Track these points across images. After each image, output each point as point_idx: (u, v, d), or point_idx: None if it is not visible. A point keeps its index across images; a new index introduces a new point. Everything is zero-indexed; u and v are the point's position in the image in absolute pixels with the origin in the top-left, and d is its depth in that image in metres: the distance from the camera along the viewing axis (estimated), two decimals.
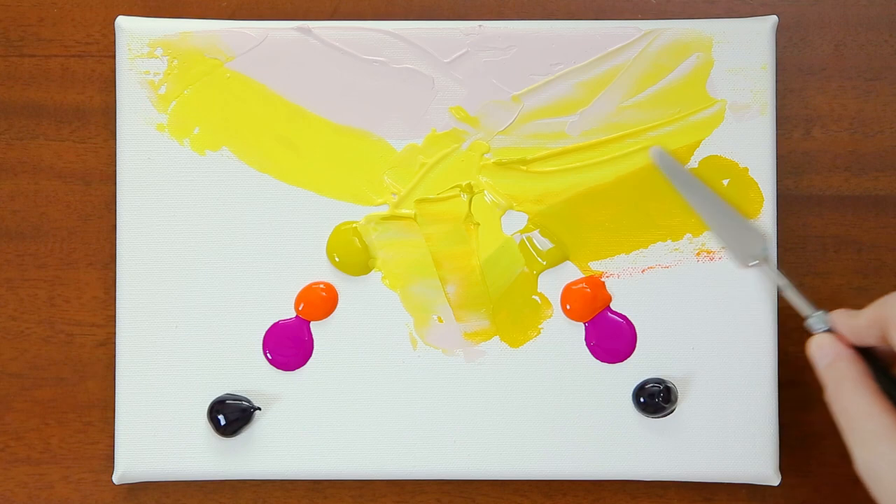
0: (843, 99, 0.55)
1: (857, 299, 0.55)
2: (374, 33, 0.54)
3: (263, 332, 0.53)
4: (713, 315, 0.53)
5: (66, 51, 0.56)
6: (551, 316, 0.54)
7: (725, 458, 0.53)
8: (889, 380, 0.45)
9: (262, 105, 0.54)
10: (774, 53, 0.53)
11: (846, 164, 0.55)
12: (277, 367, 0.53)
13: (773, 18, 0.54)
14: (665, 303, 0.53)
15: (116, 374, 0.53)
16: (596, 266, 0.54)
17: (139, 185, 0.54)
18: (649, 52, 0.54)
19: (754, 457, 0.53)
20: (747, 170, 0.53)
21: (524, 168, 0.54)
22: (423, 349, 0.53)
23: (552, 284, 0.54)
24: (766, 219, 0.53)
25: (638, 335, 0.53)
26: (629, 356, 0.53)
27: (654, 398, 0.52)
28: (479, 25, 0.54)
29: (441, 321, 0.54)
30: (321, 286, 0.54)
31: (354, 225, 0.54)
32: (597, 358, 0.53)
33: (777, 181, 0.54)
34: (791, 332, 0.55)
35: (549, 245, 0.54)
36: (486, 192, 0.54)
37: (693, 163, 0.53)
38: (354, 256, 0.54)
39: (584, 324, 0.53)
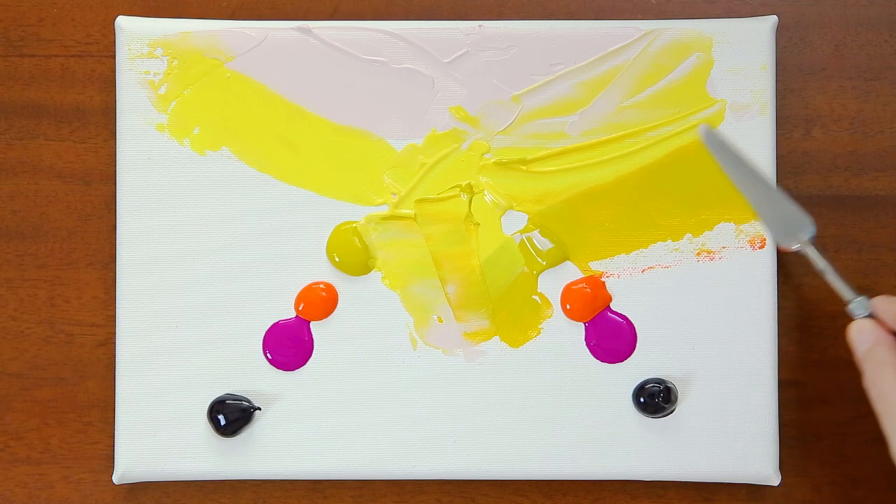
0: (843, 99, 0.55)
1: None
2: (374, 33, 0.54)
3: (263, 332, 0.53)
4: (713, 315, 0.53)
5: (66, 51, 0.56)
6: (551, 316, 0.54)
7: (725, 458, 0.53)
8: None
9: (262, 105, 0.54)
10: (774, 53, 0.53)
11: (846, 164, 0.55)
12: (277, 367, 0.53)
13: (773, 18, 0.54)
14: (665, 303, 0.53)
15: (116, 374, 0.53)
16: (596, 266, 0.54)
17: (139, 185, 0.54)
18: (649, 52, 0.54)
19: (754, 457, 0.53)
20: None
21: (524, 168, 0.54)
22: (423, 349, 0.53)
23: (552, 284, 0.54)
24: None
25: (638, 335, 0.53)
26: (629, 356, 0.53)
27: (654, 398, 0.52)
28: (479, 25, 0.54)
29: (441, 321, 0.54)
30: (321, 286, 0.54)
31: (354, 225, 0.54)
32: (597, 358, 0.53)
33: (777, 181, 0.54)
34: (791, 332, 0.55)
35: (549, 245, 0.54)
36: (486, 192, 0.54)
37: None
38: (354, 256, 0.54)
39: (584, 324, 0.53)
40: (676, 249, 0.54)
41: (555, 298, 0.54)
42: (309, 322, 0.53)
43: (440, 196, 0.54)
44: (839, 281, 0.48)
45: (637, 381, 0.53)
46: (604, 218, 0.54)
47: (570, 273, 0.54)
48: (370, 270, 0.54)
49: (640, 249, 0.54)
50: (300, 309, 0.53)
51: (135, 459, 0.53)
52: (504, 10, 0.56)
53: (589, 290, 0.53)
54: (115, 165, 0.54)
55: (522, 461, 0.53)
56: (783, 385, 0.54)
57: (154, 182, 0.54)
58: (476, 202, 0.54)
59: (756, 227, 0.53)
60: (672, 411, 0.53)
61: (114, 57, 0.55)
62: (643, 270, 0.54)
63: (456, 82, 0.54)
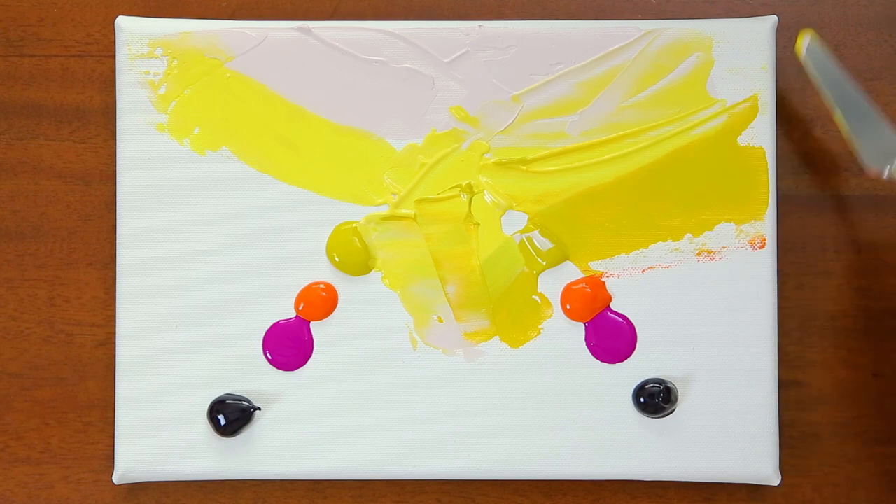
0: None
1: (857, 299, 0.55)
2: (374, 33, 0.54)
3: (263, 332, 0.53)
4: (713, 315, 0.53)
5: (66, 51, 0.56)
6: (551, 316, 0.54)
7: (725, 458, 0.53)
8: None
9: (262, 105, 0.54)
10: (774, 53, 0.53)
11: (846, 164, 0.55)
12: (277, 367, 0.53)
13: (773, 18, 0.54)
14: (665, 303, 0.53)
15: (116, 374, 0.53)
16: (596, 266, 0.54)
17: (139, 185, 0.54)
18: (649, 52, 0.54)
19: (754, 457, 0.53)
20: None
21: (524, 168, 0.54)
22: (423, 349, 0.53)
23: (552, 284, 0.54)
24: (766, 219, 0.53)
25: (638, 335, 0.53)
26: (629, 356, 0.53)
27: (654, 398, 0.52)
28: (479, 25, 0.54)
29: (441, 321, 0.54)
30: (321, 286, 0.54)
31: (354, 225, 0.54)
32: (597, 358, 0.53)
33: (777, 181, 0.54)
34: (791, 332, 0.55)
35: (549, 245, 0.54)
36: (486, 192, 0.54)
37: None
38: (354, 256, 0.54)
39: (584, 324, 0.53)
40: (676, 249, 0.54)
41: (555, 298, 0.54)
42: (309, 322, 0.53)
43: (440, 196, 0.54)
44: None
45: (637, 381, 0.53)
46: (604, 218, 0.54)
47: (570, 273, 0.54)
48: (370, 270, 0.54)
49: (640, 249, 0.54)
50: (300, 309, 0.53)
51: (135, 459, 0.53)
52: (504, 10, 0.56)
53: (589, 290, 0.53)
54: (115, 165, 0.54)
55: (522, 461, 0.53)
56: (783, 385, 0.54)
57: (154, 182, 0.54)
58: (476, 202, 0.54)
59: (756, 228, 0.53)
60: (672, 411, 0.53)
61: (114, 57, 0.55)
62: (643, 270, 0.54)
63: (456, 82, 0.54)
